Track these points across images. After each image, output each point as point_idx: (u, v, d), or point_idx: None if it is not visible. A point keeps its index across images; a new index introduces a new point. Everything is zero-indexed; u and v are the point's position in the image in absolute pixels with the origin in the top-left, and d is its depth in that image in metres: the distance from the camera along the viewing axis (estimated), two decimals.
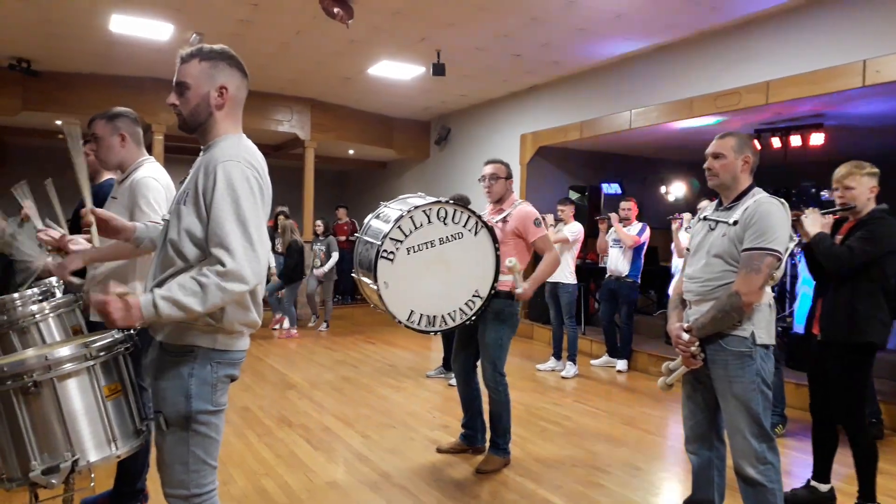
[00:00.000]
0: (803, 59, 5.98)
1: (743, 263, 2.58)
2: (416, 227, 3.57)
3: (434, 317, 3.70)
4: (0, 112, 9.12)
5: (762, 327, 2.63)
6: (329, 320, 9.52)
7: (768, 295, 2.67)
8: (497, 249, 3.76)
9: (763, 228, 2.55)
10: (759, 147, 7.76)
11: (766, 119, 7.66)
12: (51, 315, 3.07)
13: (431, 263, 3.63)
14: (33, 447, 1.99)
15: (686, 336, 2.69)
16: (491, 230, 3.78)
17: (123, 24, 7.07)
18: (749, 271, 2.55)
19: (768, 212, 2.58)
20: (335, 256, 9.14)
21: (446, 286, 3.68)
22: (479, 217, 3.75)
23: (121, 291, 1.80)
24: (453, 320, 3.74)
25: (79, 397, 2.04)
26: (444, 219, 3.63)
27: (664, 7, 6.20)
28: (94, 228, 2.28)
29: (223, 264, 1.81)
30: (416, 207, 3.56)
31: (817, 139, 7.61)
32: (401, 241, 3.55)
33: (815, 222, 3.40)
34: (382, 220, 3.68)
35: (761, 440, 2.59)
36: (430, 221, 3.61)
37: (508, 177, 4.08)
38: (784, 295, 5.69)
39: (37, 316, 3.02)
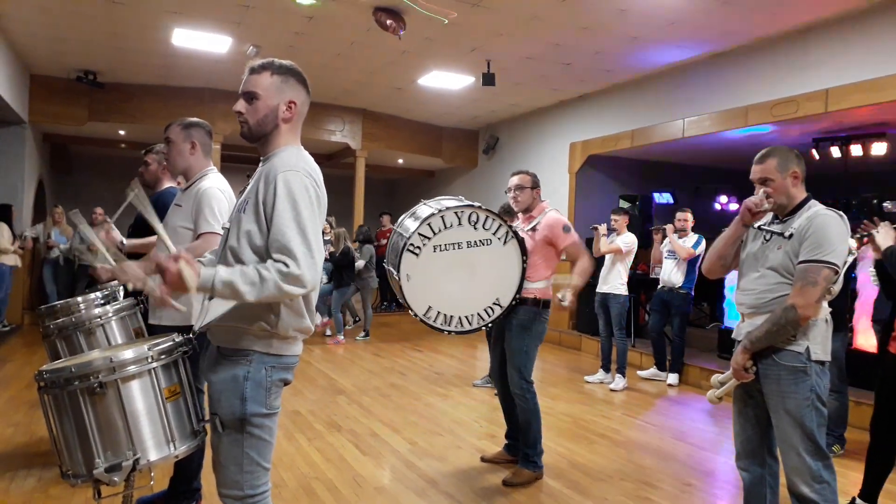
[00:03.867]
0: (865, 65, 5.80)
1: (799, 276, 2.51)
2: (445, 227, 3.62)
3: (451, 317, 3.73)
4: (68, 122, 9.54)
5: (818, 343, 2.55)
6: (369, 329, 9.38)
7: (825, 310, 2.59)
8: (524, 262, 3.76)
9: (819, 240, 2.49)
10: (818, 157, 7.58)
11: (825, 128, 7.45)
12: (114, 318, 3.21)
13: (456, 264, 3.66)
14: (98, 445, 2.06)
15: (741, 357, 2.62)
16: (521, 242, 3.78)
17: (184, 38, 7.34)
18: (805, 284, 2.48)
19: (825, 224, 2.51)
20: (360, 263, 9.10)
21: (468, 289, 3.71)
22: (511, 227, 3.76)
23: (184, 259, 1.85)
24: (470, 324, 3.77)
25: (141, 398, 2.11)
26: (475, 223, 3.66)
27: (719, 14, 6.10)
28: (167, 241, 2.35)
29: (287, 266, 1.86)
30: (449, 208, 3.61)
31: (879, 148, 7.36)
32: (429, 238, 3.60)
33: (887, 236, 3.30)
34: (416, 216, 3.72)
35: (816, 458, 2.52)
36: (460, 223, 3.64)
37: (535, 186, 4.09)
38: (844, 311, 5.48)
39: (101, 319, 3.15)
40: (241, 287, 1.84)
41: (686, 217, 6.79)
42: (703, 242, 6.71)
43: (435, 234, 3.61)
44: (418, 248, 3.58)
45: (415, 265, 3.60)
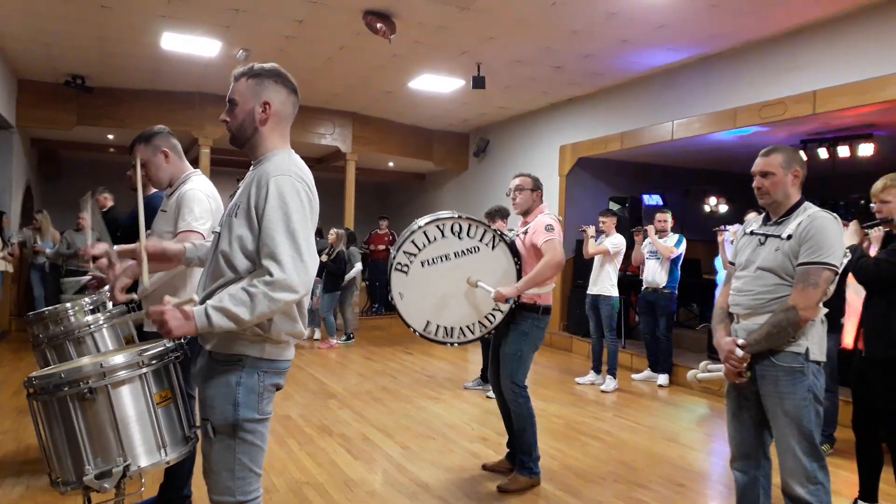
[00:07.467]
0: (852, 68, 5.85)
1: (799, 278, 2.52)
2: (429, 241, 3.66)
3: (451, 328, 3.76)
4: (56, 126, 9.46)
5: (815, 343, 2.57)
6: (351, 332, 9.33)
7: (822, 310, 2.61)
8: (517, 263, 3.77)
9: (819, 243, 2.51)
10: (805, 158, 7.64)
11: (812, 130, 7.51)
12: (105, 326, 3.18)
13: (447, 276, 3.69)
14: (88, 452, 2.05)
15: (740, 353, 2.61)
16: (510, 244, 3.78)
17: (174, 42, 7.30)
18: (806, 285, 2.50)
19: (824, 226, 2.53)
20: (357, 267, 9.10)
21: (463, 299, 3.73)
22: (496, 231, 3.77)
23: (177, 302, 1.87)
24: (472, 333, 3.79)
25: (131, 404, 2.10)
26: (459, 233, 3.69)
27: (708, 17, 6.14)
28: (144, 266, 2.26)
29: (271, 274, 1.86)
30: (429, 222, 3.64)
31: (866, 150, 7.43)
32: (414, 255, 3.64)
33: (851, 235, 3.40)
34: (403, 236, 3.76)
35: (813, 459, 2.53)
36: (443, 236, 3.68)
37: (535, 189, 4.01)
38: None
39: (91, 326, 3.13)
40: (233, 309, 1.84)
41: (665, 218, 6.90)
42: (684, 241, 6.80)
43: (420, 249, 3.65)
44: (406, 265, 3.63)
45: (405, 283, 3.64)
